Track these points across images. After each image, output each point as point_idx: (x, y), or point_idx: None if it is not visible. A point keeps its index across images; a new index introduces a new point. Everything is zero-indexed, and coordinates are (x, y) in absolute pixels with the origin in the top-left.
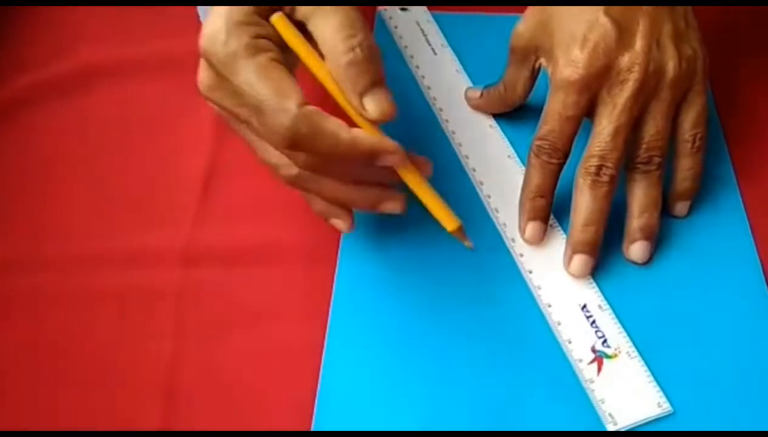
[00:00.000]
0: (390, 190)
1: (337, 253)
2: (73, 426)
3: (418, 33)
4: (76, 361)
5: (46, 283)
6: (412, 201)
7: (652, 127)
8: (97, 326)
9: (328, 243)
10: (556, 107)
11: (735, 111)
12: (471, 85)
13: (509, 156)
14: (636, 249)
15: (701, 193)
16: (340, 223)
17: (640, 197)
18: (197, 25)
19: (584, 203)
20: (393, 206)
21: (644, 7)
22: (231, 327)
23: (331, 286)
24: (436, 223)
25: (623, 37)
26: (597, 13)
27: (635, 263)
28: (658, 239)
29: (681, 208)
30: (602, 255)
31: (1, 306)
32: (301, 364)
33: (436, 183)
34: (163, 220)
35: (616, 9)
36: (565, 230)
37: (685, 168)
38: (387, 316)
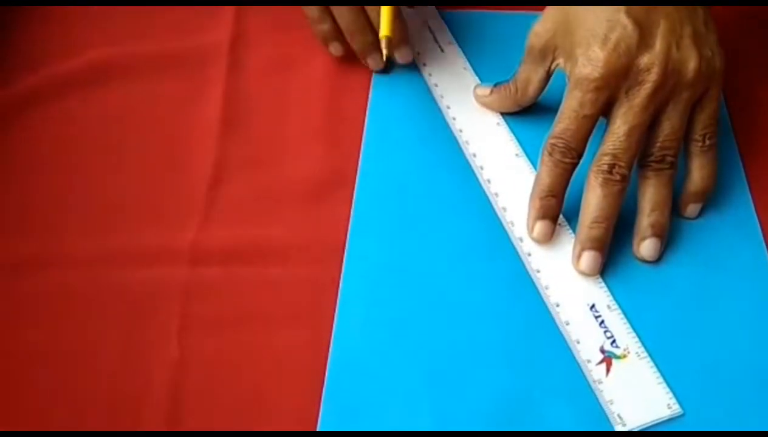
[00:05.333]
0: (378, 48)
1: (343, 253)
2: (76, 425)
3: (425, 31)
4: (80, 360)
5: (52, 281)
6: (417, 202)
7: (667, 127)
8: (102, 325)
9: (334, 243)
10: (573, 105)
11: (747, 114)
12: (479, 82)
13: (517, 154)
14: (646, 247)
15: (712, 194)
16: (335, 51)
17: (651, 195)
18: (207, 24)
19: (595, 200)
20: (374, 62)
21: (665, 8)
22: (237, 327)
23: (338, 286)
24: (440, 225)
25: (644, 37)
26: (618, 13)
27: (645, 261)
28: (669, 240)
29: (692, 209)
30: (611, 255)
31: (10, 305)
32: (307, 364)
33: (443, 180)
34: (169, 220)
35: (636, 9)
36: (573, 230)
37: (697, 167)
38: (393, 316)
